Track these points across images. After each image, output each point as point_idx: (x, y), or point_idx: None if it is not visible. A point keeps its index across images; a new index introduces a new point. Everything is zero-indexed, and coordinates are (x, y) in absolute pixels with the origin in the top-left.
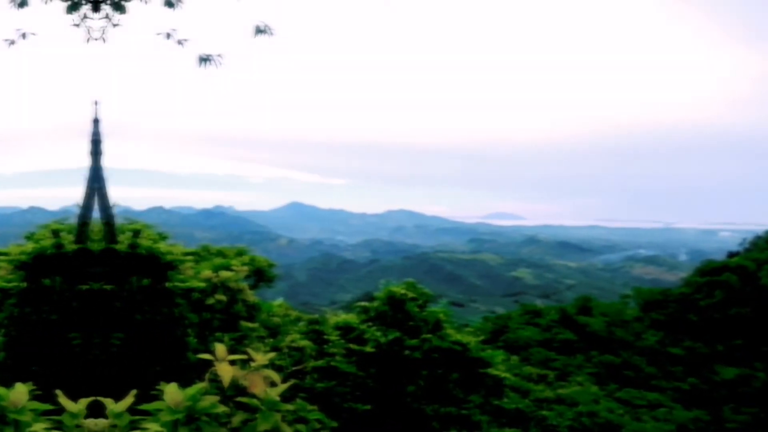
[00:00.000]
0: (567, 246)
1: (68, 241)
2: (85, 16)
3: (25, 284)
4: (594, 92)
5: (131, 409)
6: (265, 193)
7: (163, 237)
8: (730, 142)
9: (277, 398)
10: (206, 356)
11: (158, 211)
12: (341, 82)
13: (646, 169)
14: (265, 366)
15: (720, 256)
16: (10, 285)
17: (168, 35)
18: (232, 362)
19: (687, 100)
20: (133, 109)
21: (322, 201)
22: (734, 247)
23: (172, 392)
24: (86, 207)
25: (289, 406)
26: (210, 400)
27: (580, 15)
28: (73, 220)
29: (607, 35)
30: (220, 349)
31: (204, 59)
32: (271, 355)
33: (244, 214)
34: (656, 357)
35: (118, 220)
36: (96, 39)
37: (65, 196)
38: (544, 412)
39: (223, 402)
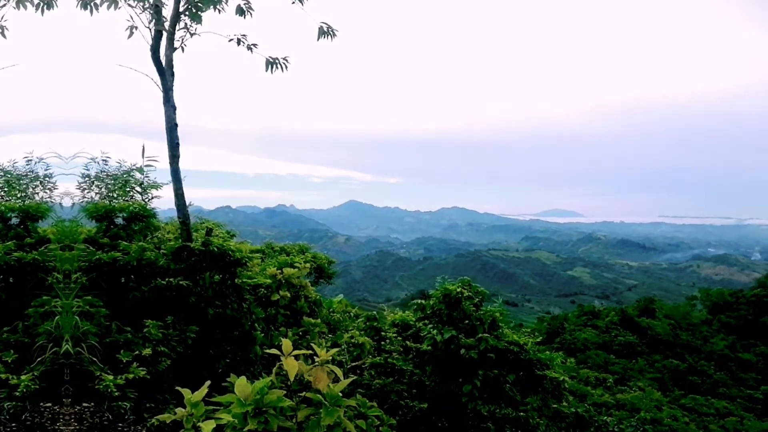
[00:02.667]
0: (628, 244)
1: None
2: None
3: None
4: (658, 77)
5: (205, 400)
6: (324, 192)
7: (231, 235)
8: None
9: (339, 394)
10: (273, 351)
11: (225, 210)
12: (396, 81)
13: (717, 161)
14: (328, 362)
15: None
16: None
17: (239, 41)
18: (297, 357)
19: (758, 85)
20: (207, 112)
21: (378, 199)
22: None
23: (241, 385)
24: (179, 207)
25: (351, 402)
26: (276, 393)
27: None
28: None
29: (663, 15)
30: (286, 344)
31: (271, 63)
32: (334, 350)
33: (305, 213)
34: (725, 363)
35: (191, 220)
36: (176, 48)
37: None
38: (605, 418)
39: (288, 396)
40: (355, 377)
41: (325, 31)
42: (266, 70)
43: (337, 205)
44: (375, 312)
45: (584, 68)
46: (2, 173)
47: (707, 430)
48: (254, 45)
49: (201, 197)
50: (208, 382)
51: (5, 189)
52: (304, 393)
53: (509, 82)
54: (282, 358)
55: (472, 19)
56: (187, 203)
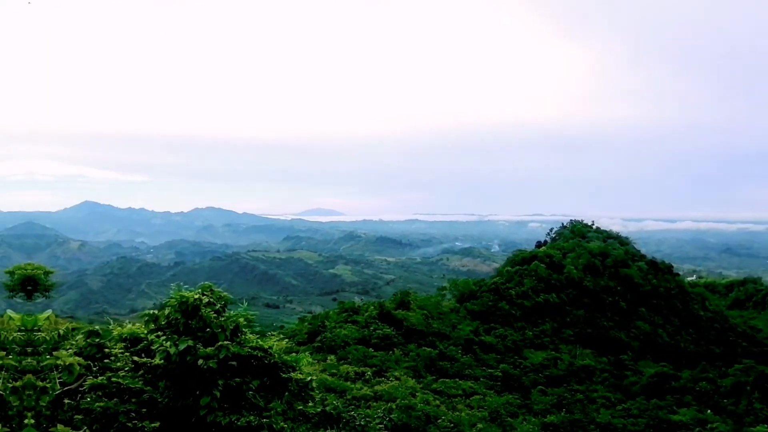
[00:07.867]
0: (386, 241)
1: None
2: None
3: None
4: (412, 89)
5: None
6: (53, 191)
7: None
8: (537, 138)
9: None
10: None
11: None
12: (143, 70)
13: (462, 164)
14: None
15: (530, 247)
16: None
17: None
18: None
19: (501, 97)
20: None
21: (119, 200)
22: (543, 237)
23: None
24: None
25: None
26: None
27: (403, 13)
28: None
29: (429, 34)
30: None
31: None
32: None
33: (29, 216)
34: (471, 346)
35: None
36: None
37: None
38: (353, 412)
39: None
40: (70, 402)
41: None
42: None
43: (69, 206)
44: (99, 327)
45: (350, 72)
46: None
47: (455, 410)
48: None
49: None
50: None
51: None
52: None
53: (270, 81)
54: None
55: (236, 15)
56: None
